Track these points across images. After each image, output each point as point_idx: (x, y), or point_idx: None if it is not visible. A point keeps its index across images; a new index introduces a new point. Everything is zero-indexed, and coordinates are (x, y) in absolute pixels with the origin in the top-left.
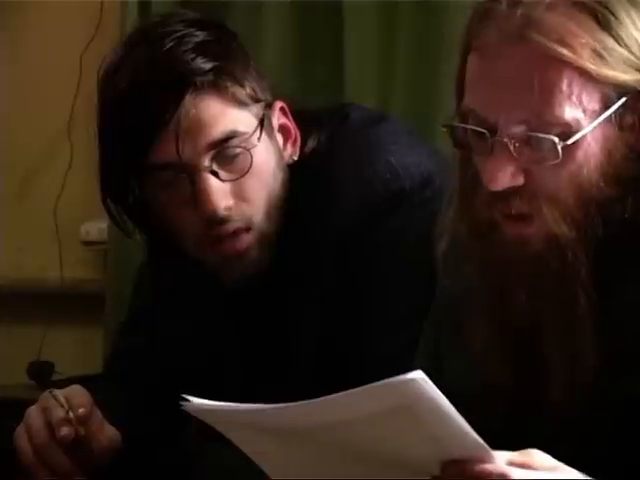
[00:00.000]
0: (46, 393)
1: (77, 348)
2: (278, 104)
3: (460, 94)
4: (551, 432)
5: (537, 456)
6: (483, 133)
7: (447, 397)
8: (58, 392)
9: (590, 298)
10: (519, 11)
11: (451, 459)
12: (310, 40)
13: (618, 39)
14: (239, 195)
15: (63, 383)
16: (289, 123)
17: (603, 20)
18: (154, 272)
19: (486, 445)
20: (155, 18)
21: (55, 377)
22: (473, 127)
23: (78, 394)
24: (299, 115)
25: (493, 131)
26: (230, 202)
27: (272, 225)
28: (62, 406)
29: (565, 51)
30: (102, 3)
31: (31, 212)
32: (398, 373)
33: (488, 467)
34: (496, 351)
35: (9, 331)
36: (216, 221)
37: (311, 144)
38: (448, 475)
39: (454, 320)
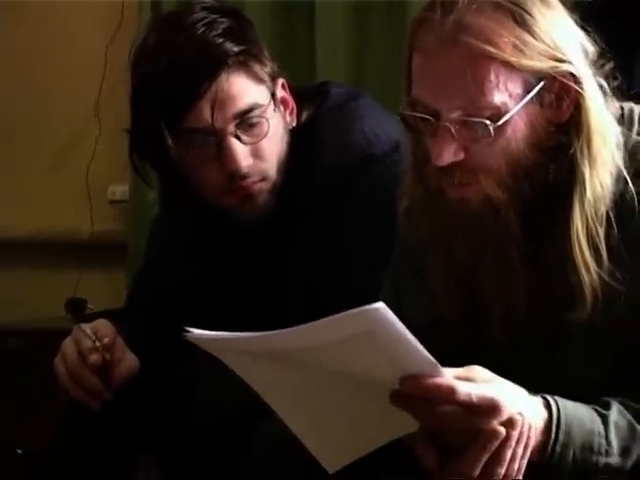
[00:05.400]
0: (76, 327)
1: (105, 287)
2: (280, 80)
3: (408, 86)
4: (492, 356)
5: (478, 371)
6: (428, 119)
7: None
8: (85, 326)
9: (520, 248)
10: (451, 17)
11: (408, 375)
12: (284, 38)
13: (534, 34)
14: (257, 155)
15: (93, 316)
16: (288, 97)
17: (520, 20)
18: (170, 217)
19: (437, 363)
20: (179, 7)
21: (88, 311)
22: (420, 115)
23: (103, 326)
24: (292, 91)
25: (436, 117)
26: (250, 161)
27: (279, 177)
28: (89, 338)
29: (491, 48)
30: (123, 4)
31: (67, 178)
32: (368, 303)
33: (438, 380)
34: (445, 290)
35: (51, 274)
36: (238, 176)
37: (304, 115)
38: (406, 388)
39: (411, 265)
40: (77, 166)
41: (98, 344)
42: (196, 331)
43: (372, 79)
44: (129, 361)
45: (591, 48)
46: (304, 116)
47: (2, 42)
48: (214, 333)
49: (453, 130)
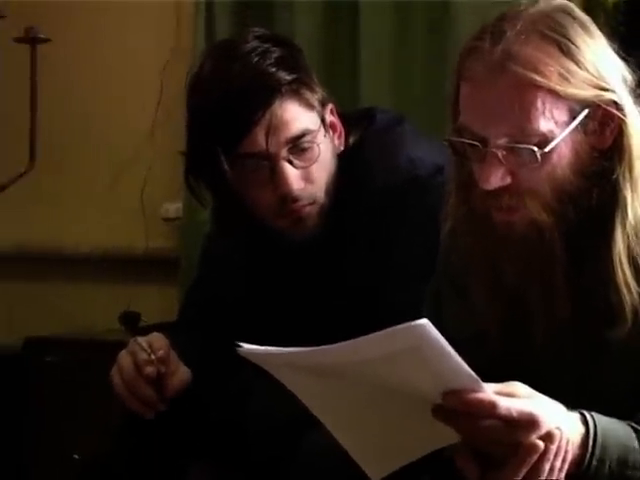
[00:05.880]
0: (132, 340)
1: (158, 301)
2: (329, 106)
3: (454, 114)
4: (530, 372)
5: (518, 387)
6: (476, 145)
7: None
8: (141, 339)
9: (564, 269)
10: (500, 47)
11: (450, 390)
12: (332, 40)
13: (579, 64)
14: (307, 178)
15: (147, 328)
16: (336, 121)
17: (566, 49)
18: (223, 236)
19: (479, 378)
20: (233, 36)
21: (141, 324)
22: (468, 141)
23: (158, 339)
24: (340, 115)
25: (484, 143)
26: (301, 185)
27: (327, 199)
28: (145, 350)
29: (538, 77)
30: (178, 28)
31: (123, 197)
32: (412, 319)
33: (480, 396)
34: (488, 308)
35: (106, 289)
36: (290, 199)
37: (352, 139)
38: (448, 403)
39: (452, 284)
40: (133, 186)
41: (153, 357)
42: (247, 346)
43: (414, 105)
44: (182, 374)
45: (629, 77)
46: (351, 140)
47: (64, 63)
48: (264, 348)
49: (500, 156)
